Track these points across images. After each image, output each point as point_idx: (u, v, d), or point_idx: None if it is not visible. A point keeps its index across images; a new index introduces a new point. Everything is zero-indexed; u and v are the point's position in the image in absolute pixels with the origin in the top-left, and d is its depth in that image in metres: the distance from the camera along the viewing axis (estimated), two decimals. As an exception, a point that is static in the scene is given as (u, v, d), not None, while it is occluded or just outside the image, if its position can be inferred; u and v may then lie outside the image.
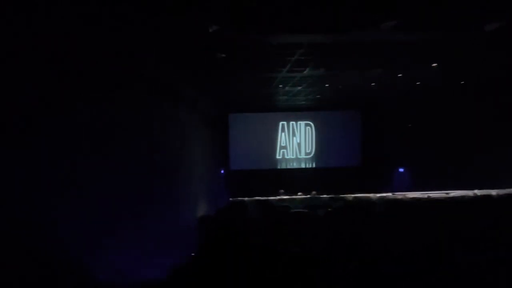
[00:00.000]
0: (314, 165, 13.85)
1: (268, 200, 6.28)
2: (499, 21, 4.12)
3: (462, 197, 4.74)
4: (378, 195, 6.00)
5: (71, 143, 2.69)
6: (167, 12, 4.04)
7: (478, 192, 5.36)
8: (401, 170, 11.77)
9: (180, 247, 4.57)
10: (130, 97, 4.00)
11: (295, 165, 13.86)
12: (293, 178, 12.92)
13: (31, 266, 1.23)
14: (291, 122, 13.83)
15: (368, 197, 5.79)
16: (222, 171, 13.33)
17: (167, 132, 5.79)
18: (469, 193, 5.40)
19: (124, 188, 3.54)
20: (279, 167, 13.71)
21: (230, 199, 7.42)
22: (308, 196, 7.62)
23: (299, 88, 9.07)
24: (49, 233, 1.77)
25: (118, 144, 3.53)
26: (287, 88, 8.98)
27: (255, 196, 7.77)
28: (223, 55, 5.77)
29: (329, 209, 2.84)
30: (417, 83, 8.33)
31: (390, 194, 6.28)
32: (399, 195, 5.78)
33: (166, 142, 5.67)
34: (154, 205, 4.52)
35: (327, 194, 7.44)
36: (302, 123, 13.86)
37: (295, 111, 13.56)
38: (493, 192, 5.22)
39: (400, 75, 7.56)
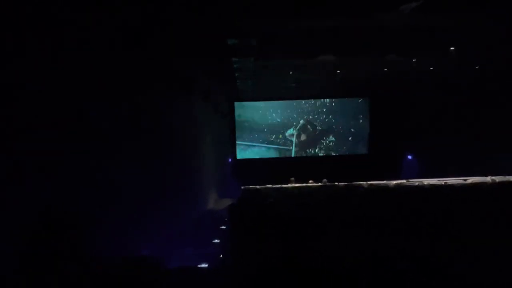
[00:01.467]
0: (321, 153, 13.77)
1: (285, 187, 6.20)
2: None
3: (483, 183, 4.65)
4: (394, 182, 5.91)
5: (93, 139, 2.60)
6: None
7: (496, 178, 5.26)
8: (409, 157, 11.66)
9: (199, 236, 4.53)
10: (148, 92, 3.89)
11: (302, 154, 13.79)
12: (300, 166, 12.86)
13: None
14: (299, 110, 13.67)
15: (385, 184, 5.70)
16: (230, 160, 13.30)
17: (183, 126, 5.71)
18: (487, 179, 5.30)
19: (146, 183, 3.47)
20: (285, 155, 13.65)
21: (242, 187, 7.35)
22: (320, 184, 7.54)
23: (310, 75, 8.88)
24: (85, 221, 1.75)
25: (138, 140, 3.44)
26: (297, 75, 8.80)
27: (265, 184, 7.71)
28: (235, 42, 5.61)
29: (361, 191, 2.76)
30: (431, 68, 8.12)
31: (404, 181, 6.19)
32: (416, 181, 5.69)
33: (182, 136, 5.60)
34: (170, 199, 4.46)
35: (337, 182, 7.34)
36: (311, 111, 13.70)
37: (304, 99, 13.39)
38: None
39: (414, 60, 7.35)
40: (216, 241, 4.25)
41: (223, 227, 4.62)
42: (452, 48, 6.32)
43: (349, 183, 6.23)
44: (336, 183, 6.54)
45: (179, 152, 5.31)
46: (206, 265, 2.95)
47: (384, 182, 6.17)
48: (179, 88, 5.45)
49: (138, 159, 3.28)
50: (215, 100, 8.86)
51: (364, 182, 6.11)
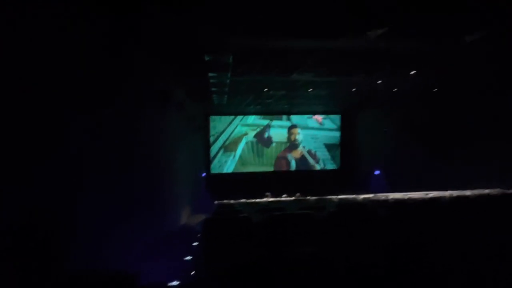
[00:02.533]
0: (294, 168, 14.03)
1: (258, 202, 6.22)
2: (479, 32, 4.38)
3: (441, 197, 4.97)
4: (362, 196, 6.15)
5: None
6: (162, 11, 3.92)
7: (454, 193, 5.65)
8: (377, 172, 12.18)
9: (171, 252, 4.40)
10: (121, 101, 3.83)
11: (274, 168, 13.96)
12: (273, 180, 13.00)
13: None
14: (272, 125, 13.92)
15: (354, 198, 5.91)
16: (204, 174, 13.13)
17: (156, 139, 5.61)
18: (445, 193, 5.67)
19: (116, 197, 3.36)
20: (259, 170, 13.74)
21: (216, 202, 7.28)
22: (293, 198, 7.65)
23: (284, 92, 9.15)
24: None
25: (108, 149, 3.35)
26: (271, 92, 9.03)
27: (239, 199, 7.69)
28: (212, 57, 5.70)
29: (331, 210, 2.86)
30: (394, 89, 8.69)
31: (371, 195, 6.45)
32: (382, 195, 5.97)
33: (155, 149, 5.49)
34: (140, 213, 4.33)
35: (310, 196, 7.50)
36: (283, 126, 14.00)
37: (276, 115, 13.68)
38: (468, 192, 5.52)
39: (379, 81, 7.85)
40: (188, 258, 4.15)
41: (195, 243, 4.53)
42: (413, 72, 6.85)
43: (320, 197, 6.39)
44: (308, 197, 6.67)
45: (150, 165, 5.19)
46: (178, 282, 2.87)
47: (353, 196, 6.40)
48: (153, 100, 5.39)
49: (106, 171, 3.18)
50: (190, 113, 8.81)
51: (334, 196, 6.30)
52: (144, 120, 4.95)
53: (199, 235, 3.22)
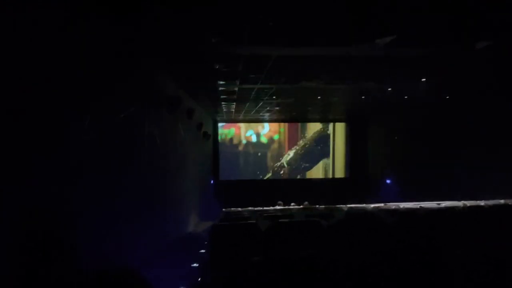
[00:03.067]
0: (302, 176, 13.94)
1: (266, 210, 6.19)
2: (489, 39, 4.33)
3: (454, 207, 4.85)
4: (372, 205, 6.05)
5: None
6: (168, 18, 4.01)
7: (467, 203, 5.50)
8: (388, 181, 12.00)
9: (178, 259, 4.40)
10: (126, 104, 3.90)
11: (283, 176, 13.91)
12: (282, 188, 12.93)
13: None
14: (280, 133, 13.93)
15: (363, 207, 5.82)
16: (212, 181, 13.17)
17: (165, 145, 5.68)
18: (459, 203, 5.53)
19: (122, 203, 3.40)
20: (267, 178, 13.72)
21: (223, 209, 7.28)
22: (301, 206, 7.58)
23: (292, 100, 9.17)
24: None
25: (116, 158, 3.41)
26: (280, 99, 9.06)
27: (248, 207, 7.67)
28: (221, 66, 5.78)
29: (339, 218, 2.83)
30: (405, 97, 8.60)
31: (382, 204, 6.34)
32: (393, 205, 5.86)
33: (163, 156, 5.56)
34: (147, 220, 4.35)
35: (318, 205, 7.43)
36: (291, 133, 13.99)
37: (284, 122, 13.70)
38: (482, 202, 5.38)
39: (390, 89, 7.79)
40: (195, 265, 4.14)
41: (202, 250, 4.53)
42: (423, 79, 6.78)
43: (329, 205, 6.32)
44: (317, 206, 6.61)
45: (159, 171, 5.25)
46: (184, 289, 2.87)
47: (363, 205, 6.30)
48: (162, 107, 5.48)
49: (113, 177, 3.23)
50: (198, 120, 8.91)
51: (344, 205, 6.22)
52: (152, 126, 5.03)
53: (206, 242, 3.22)
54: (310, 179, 13.89)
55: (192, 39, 4.63)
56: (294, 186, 13.22)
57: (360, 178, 13.54)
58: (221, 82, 6.78)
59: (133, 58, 3.52)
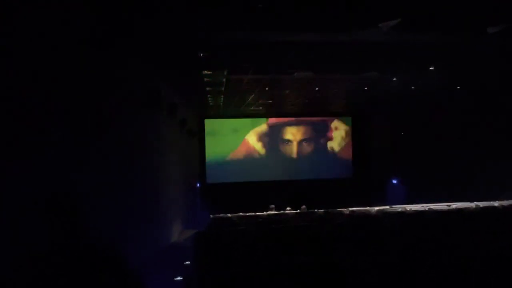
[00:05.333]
0: (300, 177, 13.98)
1: (258, 215, 6.22)
2: (502, 23, 4.42)
3: (466, 208, 4.95)
4: (376, 208, 6.13)
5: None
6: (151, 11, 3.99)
7: (480, 204, 5.62)
8: (394, 181, 12.15)
9: (160, 274, 4.40)
10: (100, 100, 3.87)
11: (279, 177, 13.91)
12: (278, 191, 12.93)
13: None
14: (276, 129, 13.95)
15: (367, 210, 5.89)
16: (198, 185, 13.13)
17: (143, 144, 5.65)
18: (471, 204, 5.64)
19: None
20: (261, 180, 13.69)
21: (211, 216, 7.28)
22: (298, 211, 7.63)
23: (287, 91, 9.20)
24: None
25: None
26: (274, 91, 9.08)
27: (237, 212, 7.69)
28: (207, 54, 5.76)
29: (337, 223, 2.87)
30: (412, 87, 8.71)
31: (387, 207, 6.43)
32: (399, 207, 5.95)
33: (142, 156, 5.53)
34: (123, 232, 4.32)
35: (317, 209, 7.49)
36: (289, 129, 14.02)
37: (281, 117, 13.71)
38: (496, 203, 5.50)
39: (395, 79, 7.88)
40: (179, 278, 4.15)
41: (187, 262, 4.53)
42: (431, 68, 6.88)
43: (329, 209, 6.37)
44: (315, 210, 6.66)
45: (134, 173, 5.21)
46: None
47: (366, 208, 6.38)
48: (141, 101, 5.44)
49: (76, 177, 3.20)
50: (182, 116, 8.87)
51: (345, 209, 6.28)
52: (129, 124, 4.99)
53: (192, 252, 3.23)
54: (309, 180, 13.92)
55: (173, 23, 4.61)
56: (290, 188, 13.22)
57: (364, 178, 13.63)
58: (207, 73, 6.76)
59: (103, 43, 3.49)
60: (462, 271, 2.90)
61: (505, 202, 5.36)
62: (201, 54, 5.74)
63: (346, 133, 14.27)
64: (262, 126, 13.91)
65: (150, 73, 6.16)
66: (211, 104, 10.52)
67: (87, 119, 3.50)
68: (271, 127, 13.94)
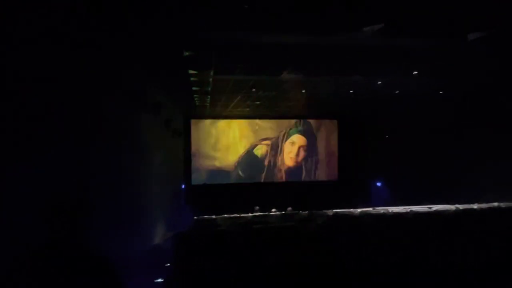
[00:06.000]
0: (286, 179, 14.07)
1: (243, 217, 6.24)
2: (482, 30, 4.58)
3: (447, 211, 5.10)
4: (359, 210, 6.25)
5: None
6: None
7: (460, 206, 5.79)
8: (378, 184, 12.36)
9: (141, 277, 4.36)
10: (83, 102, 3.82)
11: (265, 179, 13.97)
12: (264, 193, 12.98)
13: None
14: (262, 131, 14.00)
15: (350, 212, 5.99)
16: (183, 186, 13.05)
17: (125, 143, 5.59)
18: (452, 207, 5.81)
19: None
20: (247, 182, 13.73)
21: (195, 217, 7.26)
22: (283, 212, 7.68)
23: (274, 93, 9.26)
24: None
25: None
26: (260, 93, 9.13)
27: (223, 214, 7.69)
28: (192, 53, 5.75)
29: (317, 223, 2.92)
30: (396, 92, 8.90)
31: (370, 209, 6.56)
32: (381, 209, 6.08)
33: (123, 156, 5.47)
34: (104, 233, 4.26)
35: (303, 211, 7.56)
36: (274, 131, 14.10)
37: (267, 119, 13.78)
38: (475, 206, 5.68)
39: (379, 82, 8.04)
40: (159, 280, 4.12)
41: (168, 264, 4.50)
42: (415, 73, 7.06)
43: (314, 211, 6.44)
44: (300, 212, 6.73)
45: (118, 175, 5.15)
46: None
47: (350, 210, 6.49)
48: (124, 99, 5.38)
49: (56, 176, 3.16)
50: (167, 115, 8.80)
51: (329, 210, 6.37)
52: (111, 122, 4.94)
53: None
54: (295, 182, 14.03)
55: (159, 21, 4.59)
56: (277, 190, 13.29)
57: (350, 181, 13.81)
58: (193, 72, 6.75)
59: (86, 39, 3.45)
60: (439, 271, 2.99)
61: (483, 205, 5.54)
62: (186, 53, 5.73)
63: (332, 135, 14.45)
64: (249, 127, 13.94)
65: (134, 71, 6.11)
66: (197, 104, 10.48)
67: (68, 117, 3.45)
68: (257, 128, 13.98)
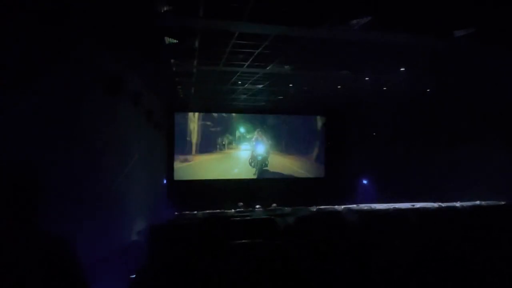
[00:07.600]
0: (271, 176, 14.13)
1: (225, 212, 6.23)
2: (469, 27, 4.67)
3: (428, 208, 5.20)
4: (343, 206, 6.32)
5: None
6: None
7: (442, 204, 5.92)
8: (364, 181, 12.53)
9: (115, 272, 4.30)
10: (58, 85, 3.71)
11: (250, 175, 13.99)
12: (249, 189, 13.00)
13: None
14: (248, 126, 13.99)
15: (333, 208, 6.06)
16: (165, 181, 12.93)
17: (103, 136, 5.48)
18: (434, 205, 5.93)
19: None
20: (231, 178, 13.71)
21: (176, 213, 7.20)
22: (267, 208, 7.71)
23: (260, 86, 9.24)
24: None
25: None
26: (246, 85, 9.09)
27: (206, 210, 7.66)
28: (174, 41, 5.66)
29: (297, 217, 2.93)
30: (384, 88, 9.01)
31: (354, 205, 6.64)
32: (365, 206, 6.17)
33: (101, 150, 5.35)
34: (80, 229, 4.18)
35: (287, 207, 7.60)
36: (261, 126, 14.10)
37: (253, 113, 13.76)
38: (458, 204, 5.81)
39: (367, 78, 8.12)
40: (133, 276, 4.07)
41: (140, 255, 4.45)
42: (402, 69, 7.15)
43: (298, 207, 6.49)
44: (284, 207, 6.76)
45: (93, 168, 5.05)
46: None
47: (334, 206, 6.56)
48: (101, 88, 5.26)
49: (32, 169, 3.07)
50: (148, 106, 8.67)
51: (313, 206, 6.43)
52: (87, 113, 4.83)
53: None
54: (282, 179, 14.09)
55: (138, 6, 4.49)
56: (263, 187, 13.31)
57: (336, 178, 13.98)
58: (175, 62, 6.66)
59: (56, 17, 3.33)
60: (417, 266, 3.05)
61: (465, 203, 5.68)
62: (167, 42, 5.63)
63: (319, 132, 14.56)
64: (235, 122, 13.91)
65: (112, 57, 5.96)
66: (181, 96, 10.37)
67: (38, 106, 3.34)
68: (243, 123, 13.97)
